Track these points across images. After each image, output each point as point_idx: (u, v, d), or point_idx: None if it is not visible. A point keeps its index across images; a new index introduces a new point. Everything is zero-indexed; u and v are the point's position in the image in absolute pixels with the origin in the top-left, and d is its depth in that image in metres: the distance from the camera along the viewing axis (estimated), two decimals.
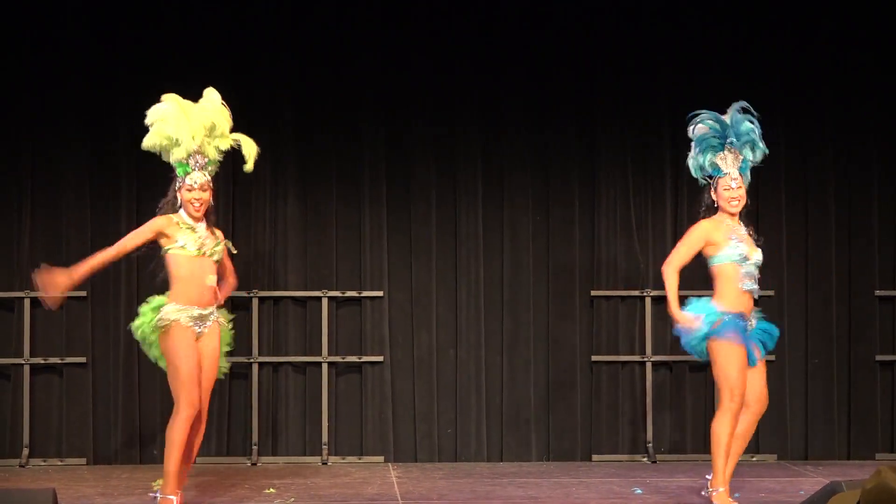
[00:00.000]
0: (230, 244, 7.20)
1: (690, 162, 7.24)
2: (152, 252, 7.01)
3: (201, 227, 6.98)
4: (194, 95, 7.04)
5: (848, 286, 9.19)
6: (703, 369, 9.12)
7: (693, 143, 7.23)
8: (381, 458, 9.07)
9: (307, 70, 9.20)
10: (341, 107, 9.21)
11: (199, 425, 6.89)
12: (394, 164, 9.23)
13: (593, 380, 9.21)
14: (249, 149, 7.13)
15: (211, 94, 7.14)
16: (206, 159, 7.00)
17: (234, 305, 8.92)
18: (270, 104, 8.85)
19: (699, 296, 7.17)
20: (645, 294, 9.16)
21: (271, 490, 7.72)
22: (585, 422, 9.20)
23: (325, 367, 9.03)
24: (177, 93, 7.00)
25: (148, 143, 7.01)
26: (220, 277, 7.11)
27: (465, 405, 9.16)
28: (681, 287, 8.69)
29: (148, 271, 7.21)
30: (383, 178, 9.21)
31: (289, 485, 7.94)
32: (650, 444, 9.12)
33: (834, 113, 9.37)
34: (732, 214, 7.13)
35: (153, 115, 7.00)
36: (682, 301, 7.08)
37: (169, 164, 7.05)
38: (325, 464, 8.92)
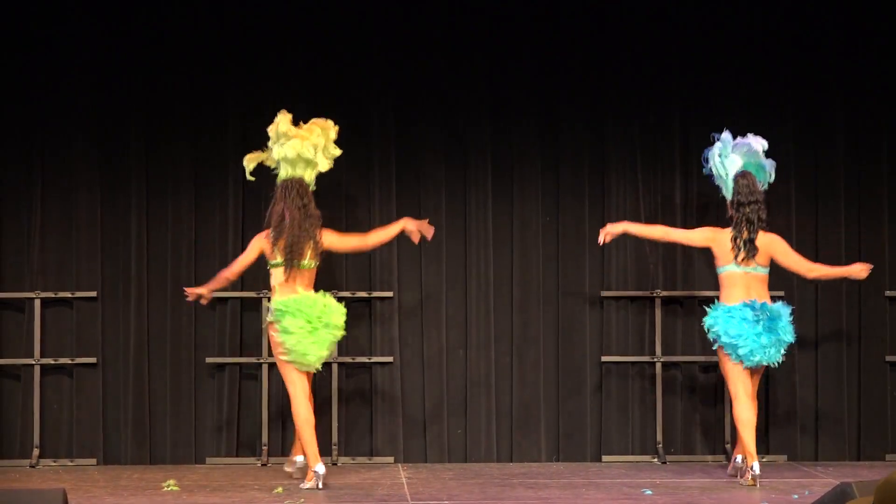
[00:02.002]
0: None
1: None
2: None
3: None
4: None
5: (858, 286, 9.16)
6: (712, 370, 9.12)
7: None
8: (390, 459, 9.07)
9: (315, 66, 9.20)
10: (349, 105, 9.19)
11: None
12: (403, 162, 9.23)
13: (603, 380, 9.20)
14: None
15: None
16: None
17: (243, 306, 8.95)
18: (278, 102, 8.81)
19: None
20: (654, 294, 9.15)
21: (280, 490, 7.73)
22: (595, 422, 9.19)
23: (335, 367, 9.03)
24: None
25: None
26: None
27: (474, 406, 9.15)
28: (694, 288, 8.77)
29: None
30: (392, 177, 9.21)
31: (298, 485, 7.93)
32: (660, 445, 9.11)
33: (844, 110, 9.34)
34: None
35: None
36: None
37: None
38: (335, 464, 8.92)
